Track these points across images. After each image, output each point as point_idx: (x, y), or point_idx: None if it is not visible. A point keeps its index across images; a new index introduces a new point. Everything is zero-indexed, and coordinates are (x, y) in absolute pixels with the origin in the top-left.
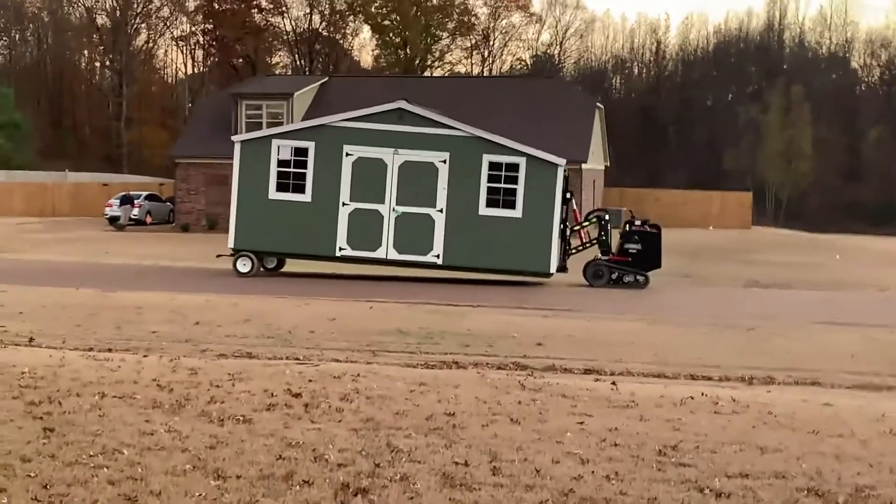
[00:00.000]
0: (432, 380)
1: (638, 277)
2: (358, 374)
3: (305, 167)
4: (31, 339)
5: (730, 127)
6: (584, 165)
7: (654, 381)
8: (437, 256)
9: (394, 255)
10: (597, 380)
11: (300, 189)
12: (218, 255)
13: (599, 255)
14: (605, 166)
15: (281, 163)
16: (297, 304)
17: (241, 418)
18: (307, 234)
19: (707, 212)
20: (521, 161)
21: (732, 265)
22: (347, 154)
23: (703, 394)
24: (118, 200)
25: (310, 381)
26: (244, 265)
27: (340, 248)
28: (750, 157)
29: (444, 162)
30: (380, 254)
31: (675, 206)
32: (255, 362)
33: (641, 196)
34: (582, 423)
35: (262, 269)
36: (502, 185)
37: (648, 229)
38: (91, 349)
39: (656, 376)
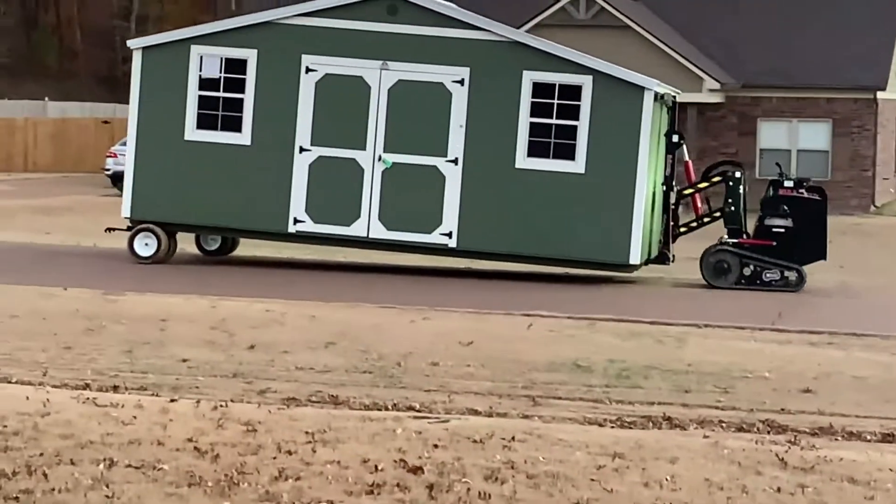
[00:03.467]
0: (633, 449)
1: (787, 274)
2: (513, 437)
3: (242, 91)
4: None
5: None
6: (880, 94)
7: None
8: (448, 235)
9: (379, 231)
10: None
11: (234, 126)
12: (108, 230)
13: (726, 235)
14: None
15: (205, 83)
16: (412, 319)
17: None
18: (244, 197)
19: None
20: (586, 81)
21: None
22: (308, 70)
23: None
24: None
25: (435, 446)
26: (146, 245)
27: (296, 220)
28: None
29: (462, 83)
30: (357, 230)
31: None
32: (348, 414)
33: None
34: None
35: (172, 251)
36: (554, 122)
37: (805, 195)
38: (87, 386)
39: None
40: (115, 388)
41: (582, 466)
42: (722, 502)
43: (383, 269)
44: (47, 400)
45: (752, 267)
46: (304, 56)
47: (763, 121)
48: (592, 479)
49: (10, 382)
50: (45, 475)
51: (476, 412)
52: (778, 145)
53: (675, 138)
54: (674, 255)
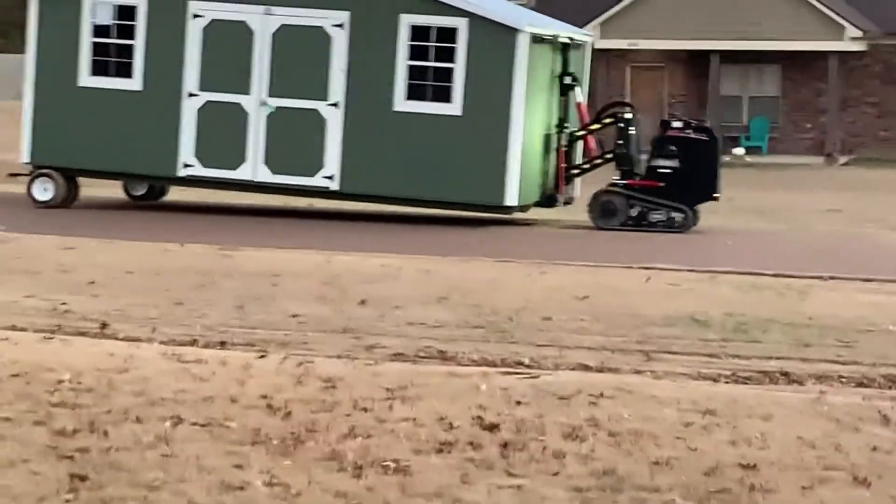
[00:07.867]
0: (726, 405)
1: (673, 214)
2: (600, 394)
3: (133, 37)
4: (103, 325)
5: None
6: None
7: None
8: (330, 178)
9: (265, 175)
10: None
11: (125, 72)
12: (11, 174)
13: (618, 177)
14: None
15: (98, 30)
16: (528, 273)
17: (393, 466)
18: (136, 142)
19: None
20: (461, 24)
21: None
22: (195, 15)
23: None
24: None
25: (518, 403)
26: (45, 190)
27: (185, 165)
28: None
29: (342, 27)
30: (243, 173)
31: None
32: (439, 370)
33: None
34: None
35: (71, 196)
36: (432, 64)
37: (693, 135)
38: (195, 342)
39: None
40: (223, 345)
41: (669, 424)
42: (811, 461)
43: (498, 222)
44: (130, 356)
45: (638, 208)
46: (190, 3)
47: None
48: (677, 437)
49: (115, 338)
50: (106, 433)
51: (587, 367)
52: None
53: (568, 80)
54: (571, 198)
